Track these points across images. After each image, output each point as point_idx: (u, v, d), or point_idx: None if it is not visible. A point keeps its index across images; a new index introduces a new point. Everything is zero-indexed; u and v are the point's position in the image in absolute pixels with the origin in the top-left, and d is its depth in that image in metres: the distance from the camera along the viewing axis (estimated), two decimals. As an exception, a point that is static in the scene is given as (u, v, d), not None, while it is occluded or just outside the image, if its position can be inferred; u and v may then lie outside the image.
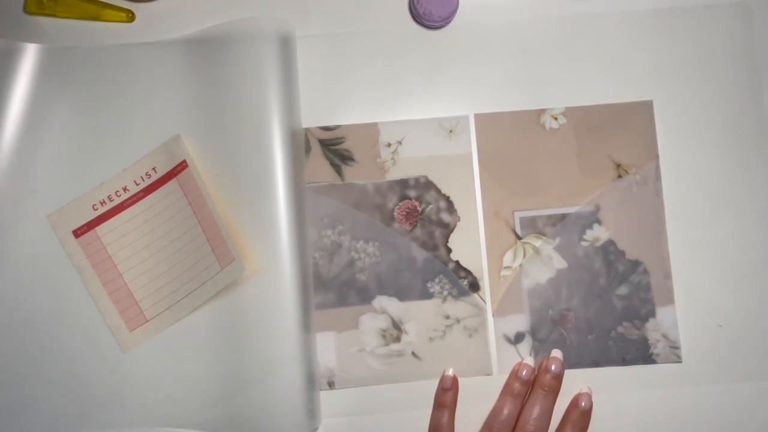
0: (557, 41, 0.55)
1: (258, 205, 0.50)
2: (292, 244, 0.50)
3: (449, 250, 0.53)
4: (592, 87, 0.54)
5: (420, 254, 0.53)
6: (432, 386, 0.52)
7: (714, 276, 0.53)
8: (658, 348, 0.52)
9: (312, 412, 0.50)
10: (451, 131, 0.54)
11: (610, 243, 0.53)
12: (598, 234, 0.53)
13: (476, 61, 0.55)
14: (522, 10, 0.55)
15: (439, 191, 0.53)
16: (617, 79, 0.55)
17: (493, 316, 0.53)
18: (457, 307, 0.53)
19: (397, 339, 0.52)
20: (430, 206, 0.53)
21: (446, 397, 0.51)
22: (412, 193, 0.53)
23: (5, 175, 0.52)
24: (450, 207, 0.53)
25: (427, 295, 0.53)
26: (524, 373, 0.50)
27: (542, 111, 0.54)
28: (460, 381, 0.52)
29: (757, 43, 0.55)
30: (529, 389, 0.51)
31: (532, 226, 0.53)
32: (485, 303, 0.53)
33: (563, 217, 0.53)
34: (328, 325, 0.52)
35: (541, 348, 0.52)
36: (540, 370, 0.51)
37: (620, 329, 0.53)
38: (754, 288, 0.53)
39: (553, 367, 0.50)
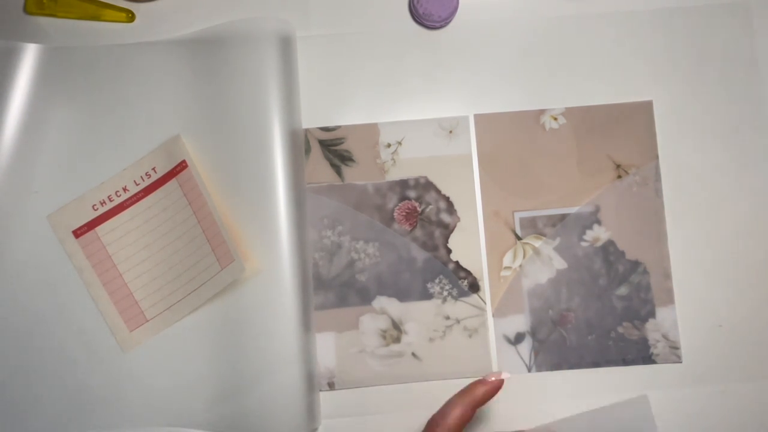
0: (557, 41, 0.55)
1: (258, 205, 0.50)
2: (292, 245, 0.50)
3: (449, 251, 0.53)
4: (592, 87, 0.54)
5: (420, 255, 0.53)
6: (432, 387, 0.52)
7: (714, 276, 0.53)
8: (658, 348, 0.52)
9: (311, 412, 0.50)
10: (450, 132, 0.54)
11: (610, 243, 0.53)
12: (598, 234, 0.53)
13: (476, 61, 0.55)
14: (522, 10, 0.55)
15: (439, 192, 0.53)
16: (617, 79, 0.55)
17: (493, 316, 0.53)
18: (457, 308, 0.53)
19: (397, 339, 0.52)
20: (430, 207, 0.53)
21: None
22: (412, 194, 0.53)
23: (5, 175, 0.52)
24: (450, 207, 0.53)
25: (427, 296, 0.53)
26: None
27: (542, 111, 0.54)
28: (460, 382, 0.52)
29: (757, 43, 0.55)
30: None
31: (532, 226, 0.53)
32: (485, 303, 0.53)
33: (563, 217, 0.53)
34: (328, 325, 0.52)
35: (541, 348, 0.52)
36: None
37: (620, 329, 0.53)
38: (754, 288, 0.53)
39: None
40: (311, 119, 0.54)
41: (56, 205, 0.52)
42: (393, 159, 0.54)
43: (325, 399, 0.52)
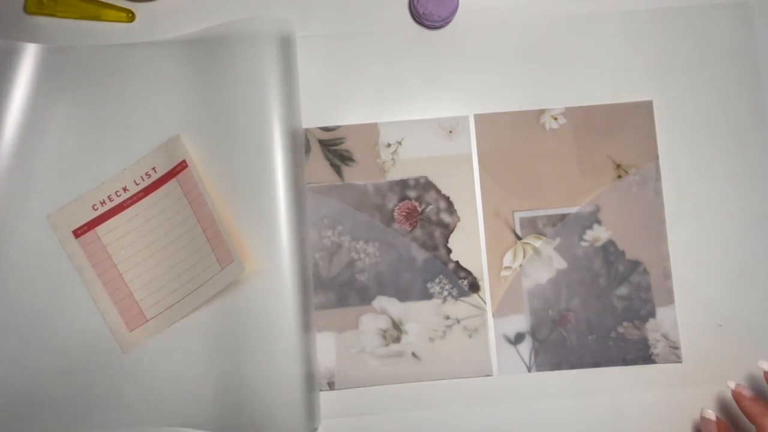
0: (557, 41, 0.55)
1: (258, 205, 0.50)
2: (292, 245, 0.50)
3: (449, 251, 0.53)
4: (592, 87, 0.54)
5: (420, 255, 0.53)
6: (432, 387, 0.52)
7: (714, 276, 0.53)
8: (658, 348, 0.52)
9: (311, 412, 0.50)
10: (451, 131, 0.54)
11: (610, 243, 0.53)
12: (598, 234, 0.53)
13: (476, 61, 0.55)
14: (522, 10, 0.55)
15: (439, 191, 0.53)
16: (617, 79, 0.55)
17: (493, 316, 0.53)
18: (457, 308, 0.53)
19: (397, 339, 0.52)
20: (430, 206, 0.53)
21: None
22: (412, 194, 0.53)
23: (5, 175, 0.52)
24: (450, 207, 0.53)
25: (427, 296, 0.53)
26: None
27: (542, 111, 0.54)
28: (460, 382, 0.52)
29: (757, 43, 0.55)
30: None
31: (532, 226, 0.53)
32: (485, 303, 0.53)
33: (563, 217, 0.53)
34: (328, 325, 0.52)
35: (541, 348, 0.52)
36: None
37: (620, 329, 0.53)
38: (754, 288, 0.53)
39: None
40: (311, 119, 0.54)
41: (56, 205, 0.52)
42: (393, 159, 0.54)
43: (325, 399, 0.52)
